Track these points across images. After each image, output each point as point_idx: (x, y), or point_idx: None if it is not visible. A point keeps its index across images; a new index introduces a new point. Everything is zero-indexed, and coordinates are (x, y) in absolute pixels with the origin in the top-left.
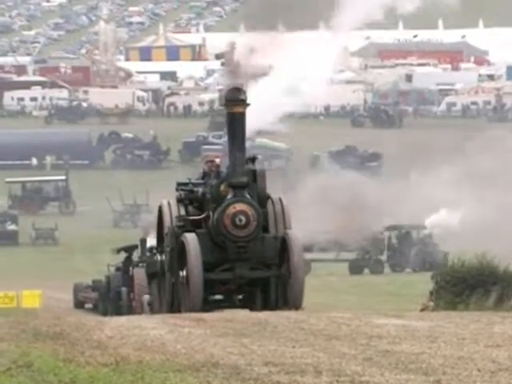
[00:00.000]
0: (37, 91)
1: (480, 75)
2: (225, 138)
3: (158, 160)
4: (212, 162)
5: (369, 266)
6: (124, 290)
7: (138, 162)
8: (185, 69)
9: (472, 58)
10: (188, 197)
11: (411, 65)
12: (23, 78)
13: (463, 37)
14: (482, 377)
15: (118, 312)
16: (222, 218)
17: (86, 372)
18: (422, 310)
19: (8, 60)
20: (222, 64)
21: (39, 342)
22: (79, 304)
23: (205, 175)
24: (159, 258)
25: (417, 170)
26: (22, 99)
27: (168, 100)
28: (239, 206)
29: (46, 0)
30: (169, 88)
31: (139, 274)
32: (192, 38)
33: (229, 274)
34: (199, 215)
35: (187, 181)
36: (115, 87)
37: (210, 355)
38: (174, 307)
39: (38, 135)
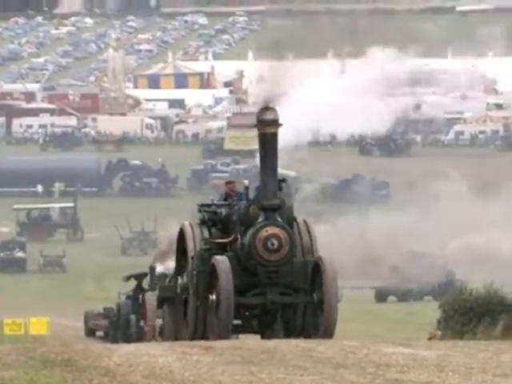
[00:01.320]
0: (45, 118)
1: (488, 104)
2: (233, 166)
3: (166, 187)
4: (231, 183)
5: (396, 294)
6: (133, 317)
7: (146, 189)
8: (193, 96)
9: (481, 86)
10: (212, 218)
11: (420, 93)
12: (32, 105)
13: (472, 66)
14: None
15: (128, 340)
16: (253, 242)
17: None
18: (430, 338)
19: (17, 87)
20: (231, 92)
21: (47, 369)
22: (90, 332)
23: (227, 197)
24: (180, 281)
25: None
26: (30, 126)
27: (176, 128)
28: (271, 230)
29: (55, 27)
30: (177, 116)
31: (151, 299)
32: (200, 65)
33: (260, 298)
34: (223, 237)
35: (210, 202)
36: (124, 114)
37: (219, 383)
38: (198, 333)
39: (46, 162)
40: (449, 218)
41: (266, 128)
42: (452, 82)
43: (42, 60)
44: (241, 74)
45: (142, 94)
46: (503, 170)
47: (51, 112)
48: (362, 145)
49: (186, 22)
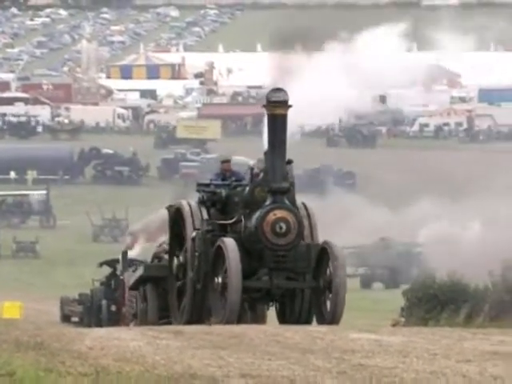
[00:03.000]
0: (20, 107)
1: (452, 97)
2: (203, 155)
3: (138, 176)
4: (227, 161)
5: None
6: (104, 302)
7: (117, 177)
8: (164, 87)
9: (445, 81)
10: (211, 199)
11: (385, 85)
12: (6, 95)
13: (436, 60)
14: None
15: (99, 324)
16: (261, 225)
17: (67, 382)
18: (393, 325)
19: None
20: (201, 83)
21: (21, 352)
22: (66, 318)
23: (224, 177)
24: (176, 261)
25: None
26: (4, 115)
27: (148, 117)
28: (280, 213)
29: (30, 19)
30: (148, 106)
31: (129, 281)
32: (172, 57)
33: (266, 282)
34: (222, 218)
35: (208, 181)
36: (96, 104)
37: (188, 367)
38: (195, 316)
39: (19, 150)
40: (412, 208)
41: (276, 109)
42: (416, 76)
43: (16, 50)
44: (211, 66)
45: (115, 84)
46: (465, 161)
47: (25, 101)
48: (329, 136)
49: (158, 14)
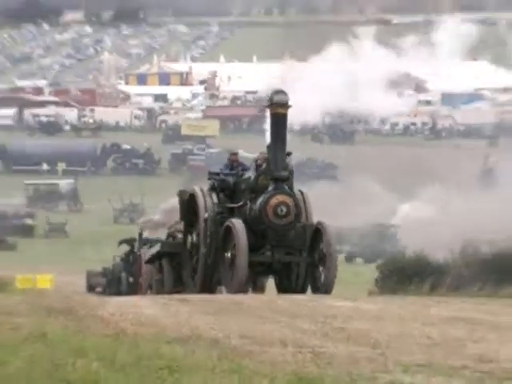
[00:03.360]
0: (51, 109)
1: (419, 101)
2: (207, 150)
3: (151, 168)
4: (235, 154)
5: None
6: (124, 275)
7: (134, 169)
8: (174, 92)
9: (412, 86)
10: (220, 186)
11: (362, 90)
12: (40, 98)
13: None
14: (419, 350)
15: (119, 294)
16: (264, 208)
17: (91, 342)
18: (369, 294)
19: (28, 83)
20: (205, 88)
21: (51, 317)
22: (91, 288)
23: (232, 167)
24: (190, 239)
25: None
26: (38, 115)
27: (160, 118)
28: (281, 198)
29: (60, 34)
30: (161, 108)
31: (146, 254)
32: (180, 66)
33: (268, 257)
34: (230, 203)
35: (218, 171)
36: (116, 106)
37: (195, 329)
38: (206, 286)
39: (51, 145)
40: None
41: (278, 109)
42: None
43: (48, 61)
44: (214, 74)
45: (132, 89)
46: (430, 155)
47: (56, 104)
48: (313, 133)
49: (168, 30)
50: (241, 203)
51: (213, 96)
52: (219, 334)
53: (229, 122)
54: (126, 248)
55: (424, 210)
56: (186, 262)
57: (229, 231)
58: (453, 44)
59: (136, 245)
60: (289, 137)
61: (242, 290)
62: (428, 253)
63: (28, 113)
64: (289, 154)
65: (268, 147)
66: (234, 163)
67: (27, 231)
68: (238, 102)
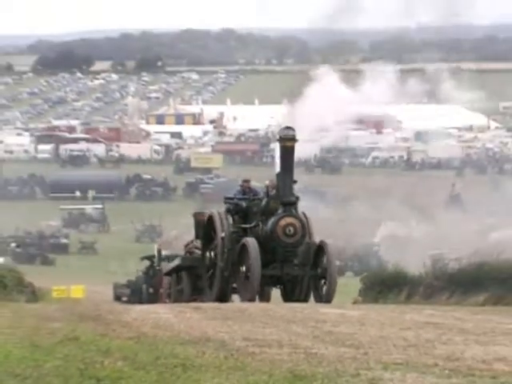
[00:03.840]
0: (83, 145)
1: (396, 138)
2: (215, 180)
3: (168, 194)
4: (247, 181)
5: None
6: (144, 286)
7: (153, 195)
8: (188, 130)
9: (391, 125)
10: (235, 209)
11: (348, 129)
12: (73, 136)
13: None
14: (396, 350)
15: (141, 302)
16: (275, 228)
17: (117, 343)
18: (354, 303)
19: (63, 123)
20: (214, 127)
21: (83, 323)
22: (117, 298)
23: (244, 192)
24: (208, 255)
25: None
26: (72, 150)
27: (176, 152)
28: (289, 220)
29: (90, 80)
30: (176, 144)
31: (165, 268)
32: (193, 108)
33: (277, 271)
34: (244, 224)
35: (232, 196)
36: (138, 143)
37: (204, 332)
38: (222, 296)
39: (83, 176)
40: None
41: (287, 142)
42: (371, 122)
43: (80, 104)
44: (222, 115)
45: (152, 128)
46: (406, 182)
47: (87, 140)
48: (307, 165)
49: (183, 77)
50: (253, 224)
51: (221, 133)
52: (226, 336)
53: (235, 155)
54: (146, 263)
55: (400, 230)
56: (204, 274)
57: (244, 248)
58: (426, 89)
59: (155, 260)
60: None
61: (254, 299)
62: (404, 266)
63: (63, 148)
64: (295, 181)
65: (277, 175)
66: (246, 189)
67: (62, 249)
68: (242, 138)
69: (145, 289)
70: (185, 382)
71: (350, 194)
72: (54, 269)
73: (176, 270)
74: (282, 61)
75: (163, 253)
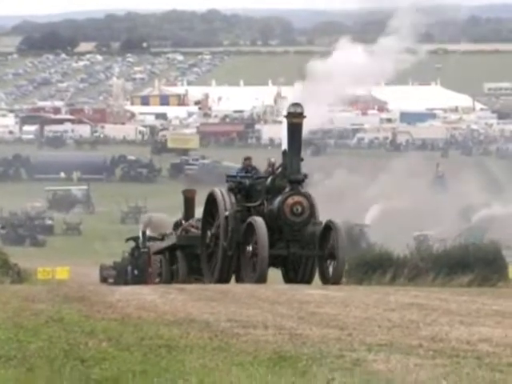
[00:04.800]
0: (68, 126)
1: (381, 119)
2: (200, 161)
3: (153, 176)
4: (248, 159)
5: None
6: (129, 268)
7: (138, 177)
8: (173, 111)
9: (376, 107)
10: (237, 187)
11: (333, 111)
12: (58, 117)
13: (370, 91)
14: (381, 331)
15: (126, 284)
16: (282, 207)
17: (101, 325)
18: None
19: (47, 104)
20: (199, 108)
21: (68, 304)
22: (103, 279)
23: (247, 170)
24: (209, 233)
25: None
26: (57, 131)
27: (160, 133)
28: (297, 198)
29: (75, 61)
30: (161, 125)
31: (154, 247)
32: (178, 89)
33: (284, 251)
34: (246, 203)
35: (234, 174)
36: (123, 124)
37: (189, 314)
38: (224, 275)
39: (68, 156)
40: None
41: (294, 119)
42: (357, 103)
43: (65, 84)
44: (207, 96)
45: (137, 109)
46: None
47: (72, 121)
48: None
49: (168, 58)
50: (258, 203)
51: (206, 114)
52: (210, 317)
53: (219, 137)
54: (132, 244)
55: (387, 210)
56: (204, 254)
57: (250, 227)
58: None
59: (140, 242)
60: (272, 150)
61: (263, 279)
62: (389, 248)
63: (48, 129)
64: (302, 159)
65: (283, 153)
66: (248, 167)
67: (47, 230)
68: (227, 119)
69: (130, 270)
70: (169, 363)
71: (333, 175)
72: (39, 250)
73: (170, 249)
74: (267, 42)
75: (148, 234)
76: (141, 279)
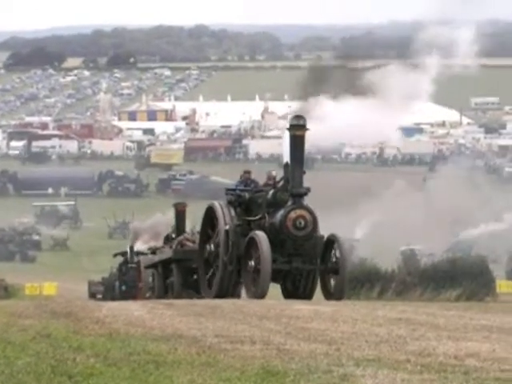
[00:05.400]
0: (55, 141)
1: None
2: (188, 176)
3: (141, 191)
4: (248, 172)
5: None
6: (117, 283)
7: (126, 192)
8: (160, 127)
9: None
10: (237, 200)
11: None
12: (45, 132)
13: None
14: (368, 346)
15: (113, 299)
16: (284, 221)
17: (89, 340)
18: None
19: (35, 119)
20: (187, 123)
21: (55, 319)
22: (92, 295)
23: (246, 183)
24: (208, 248)
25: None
26: (44, 147)
27: (148, 149)
28: (300, 212)
29: (62, 77)
30: (148, 140)
31: (145, 262)
32: (165, 104)
33: (286, 265)
34: (246, 216)
35: (234, 187)
36: (111, 139)
37: (177, 329)
38: (223, 291)
39: (55, 172)
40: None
41: (297, 131)
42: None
43: (52, 100)
44: (194, 111)
45: (124, 124)
46: (377, 177)
47: (59, 137)
48: (280, 162)
49: (155, 73)
50: (259, 216)
51: (193, 130)
52: (198, 333)
53: (207, 152)
54: (119, 259)
55: (374, 225)
56: (201, 268)
57: (252, 242)
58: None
59: (128, 257)
60: (259, 165)
61: (265, 295)
62: (377, 262)
63: (35, 144)
64: (304, 172)
65: (285, 165)
66: (247, 180)
67: (35, 245)
68: (215, 134)
69: (117, 286)
70: (157, 379)
71: (320, 190)
72: (27, 265)
73: (164, 263)
74: (255, 57)
75: (138, 248)
76: (129, 295)
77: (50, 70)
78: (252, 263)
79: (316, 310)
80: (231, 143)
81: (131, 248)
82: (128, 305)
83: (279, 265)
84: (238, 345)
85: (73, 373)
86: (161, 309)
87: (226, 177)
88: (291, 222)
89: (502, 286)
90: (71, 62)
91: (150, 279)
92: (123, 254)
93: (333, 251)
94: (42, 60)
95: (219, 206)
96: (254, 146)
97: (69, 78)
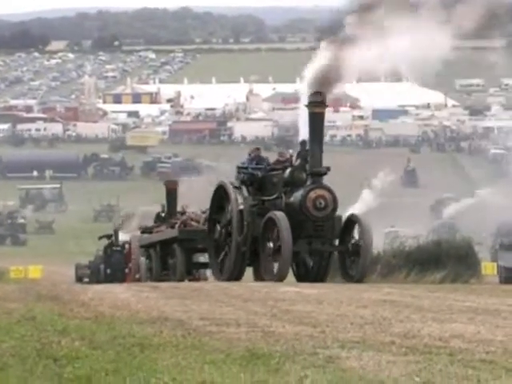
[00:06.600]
0: (40, 124)
1: (353, 116)
2: (173, 159)
3: (126, 174)
4: (257, 149)
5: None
6: (102, 266)
7: (111, 175)
8: (145, 109)
9: (348, 104)
10: (250, 179)
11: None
12: (30, 115)
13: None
14: (353, 328)
15: (98, 282)
16: (304, 201)
17: (74, 323)
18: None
19: (20, 102)
20: (171, 106)
21: (40, 302)
22: (79, 279)
23: (257, 162)
24: (218, 228)
25: None
26: (29, 130)
27: (133, 131)
28: (320, 192)
29: (47, 60)
30: (133, 123)
31: (135, 240)
32: (150, 87)
33: (306, 247)
34: (260, 195)
35: (246, 165)
36: (96, 122)
37: (162, 312)
38: (236, 272)
39: (40, 155)
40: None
41: (316, 108)
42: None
43: (37, 83)
44: (179, 94)
45: (109, 107)
46: (362, 160)
47: (44, 120)
48: (266, 144)
49: (140, 56)
50: (275, 196)
51: (178, 112)
52: (183, 316)
53: (192, 134)
54: (104, 242)
55: (360, 206)
56: (211, 249)
57: (271, 222)
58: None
59: (113, 239)
60: (244, 147)
61: (285, 276)
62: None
63: (20, 127)
64: (322, 151)
65: (301, 143)
66: (256, 158)
67: (20, 229)
68: (200, 117)
69: (102, 269)
70: (142, 362)
71: None
72: (12, 248)
73: (163, 243)
74: (239, 39)
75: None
76: (114, 278)
77: (35, 53)
78: (271, 245)
79: (301, 292)
80: (216, 126)
81: (116, 231)
82: (113, 288)
83: (298, 246)
84: (224, 327)
85: (58, 356)
86: (146, 292)
87: (211, 159)
88: (311, 203)
89: (487, 267)
90: (55, 44)
91: (143, 259)
92: (108, 236)
93: (354, 232)
94: (26, 43)
95: (231, 185)
96: (239, 129)
97: (53, 61)
